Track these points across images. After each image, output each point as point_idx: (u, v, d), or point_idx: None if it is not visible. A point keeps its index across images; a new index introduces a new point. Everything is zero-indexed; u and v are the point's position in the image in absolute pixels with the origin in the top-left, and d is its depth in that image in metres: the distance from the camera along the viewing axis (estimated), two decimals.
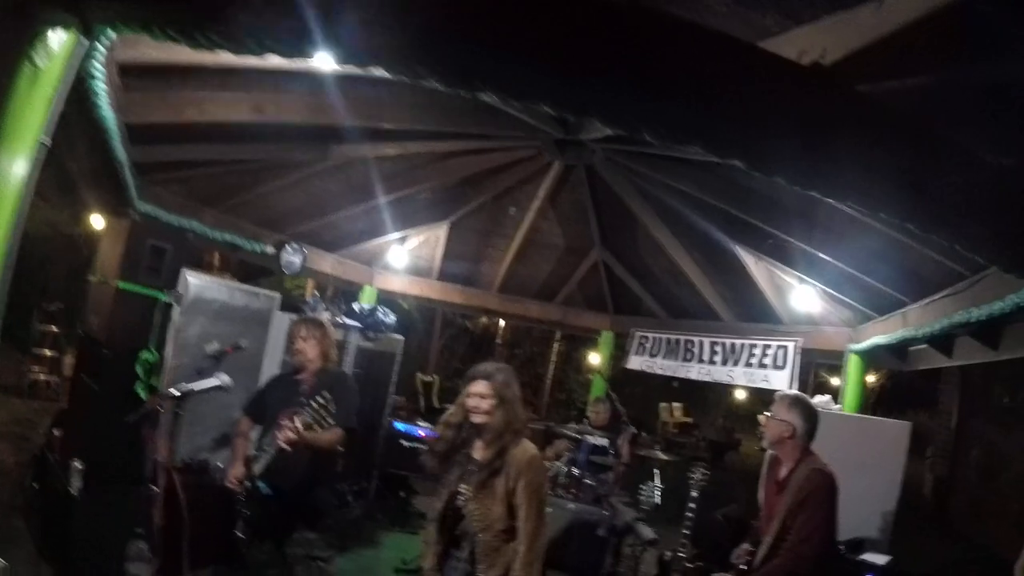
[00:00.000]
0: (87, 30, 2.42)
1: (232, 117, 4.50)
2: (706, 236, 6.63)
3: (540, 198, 7.24)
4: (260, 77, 4.16)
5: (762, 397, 7.37)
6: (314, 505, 4.37)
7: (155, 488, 4.65)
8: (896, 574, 4.95)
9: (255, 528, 4.25)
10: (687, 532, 4.60)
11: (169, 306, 4.84)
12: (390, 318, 7.56)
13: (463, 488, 3.29)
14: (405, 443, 7.81)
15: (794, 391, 4.51)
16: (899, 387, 18.63)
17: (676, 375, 8.97)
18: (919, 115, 2.45)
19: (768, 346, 7.51)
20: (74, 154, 4.16)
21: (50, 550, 4.41)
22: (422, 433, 8.03)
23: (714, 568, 4.28)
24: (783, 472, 3.87)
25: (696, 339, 8.50)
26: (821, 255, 5.43)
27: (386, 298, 9.06)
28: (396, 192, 6.82)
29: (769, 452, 4.11)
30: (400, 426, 7.85)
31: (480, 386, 3.24)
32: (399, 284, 9.17)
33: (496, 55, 2.34)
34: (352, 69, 3.68)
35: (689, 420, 19.86)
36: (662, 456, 6.59)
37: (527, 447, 3.25)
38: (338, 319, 6.68)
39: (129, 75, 3.64)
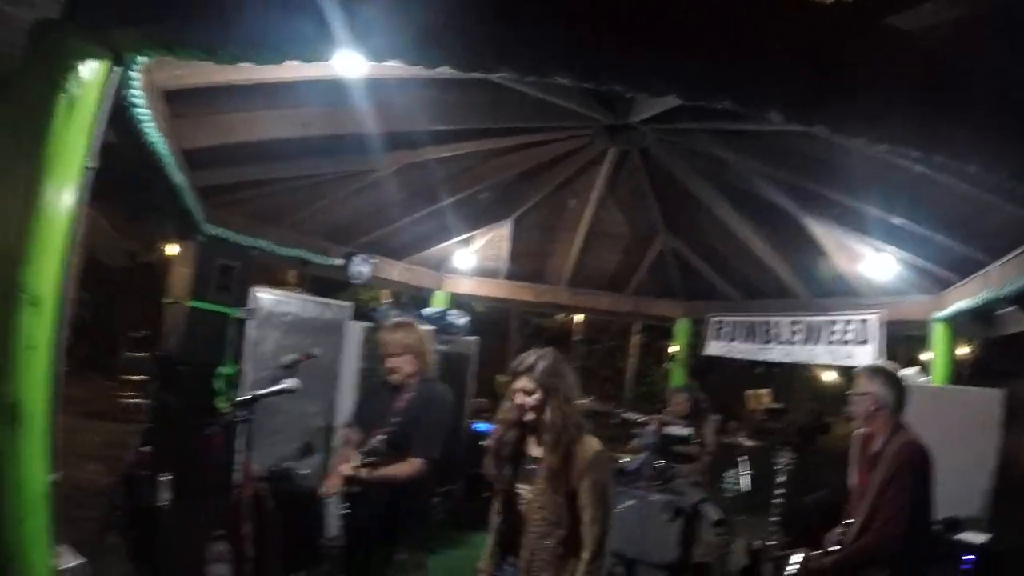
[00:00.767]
0: (117, 58, 2.54)
1: (281, 134, 4.61)
2: (772, 210, 6.45)
3: (598, 187, 7.17)
4: (304, 91, 4.21)
5: (850, 377, 7.12)
6: (396, 526, 4.13)
7: (240, 497, 4.86)
8: (996, 554, 4.63)
9: (346, 536, 4.28)
10: (776, 519, 4.48)
11: (242, 321, 5.00)
12: (462, 320, 7.65)
13: (521, 489, 3.15)
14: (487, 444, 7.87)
15: (876, 362, 4.34)
16: (994, 356, 17.70)
17: (756, 359, 8.80)
18: (946, 48, 2.35)
19: (849, 321, 7.27)
20: (137, 183, 4.34)
21: (142, 561, 4.60)
22: None
23: None
24: (875, 448, 3.68)
25: (774, 320, 8.28)
26: (893, 219, 5.23)
27: (457, 302, 9.14)
28: (456, 194, 6.87)
29: (860, 430, 3.92)
30: (481, 427, 7.91)
31: (522, 381, 3.07)
32: (469, 286, 9.22)
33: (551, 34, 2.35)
34: (395, 72, 3.77)
35: (777, 406, 19.30)
36: (748, 443, 6.42)
37: (590, 443, 3.03)
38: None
39: (175, 101, 3.79)
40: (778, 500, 4.47)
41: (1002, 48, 2.33)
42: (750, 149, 5.45)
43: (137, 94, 2.86)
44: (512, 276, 9.21)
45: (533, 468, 3.09)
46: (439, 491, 7.02)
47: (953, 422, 5.19)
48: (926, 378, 6.37)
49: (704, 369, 12.29)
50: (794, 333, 8.03)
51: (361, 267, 7.37)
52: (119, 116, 2.87)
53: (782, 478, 4.51)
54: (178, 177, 4.12)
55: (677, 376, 9.76)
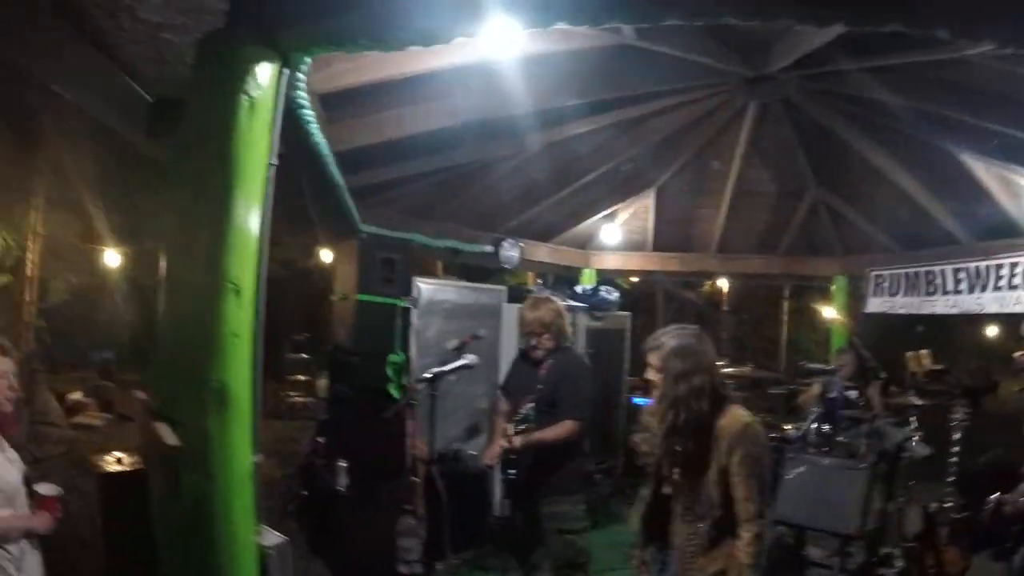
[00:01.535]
0: (286, 60, 2.69)
1: (429, 126, 4.74)
2: (928, 150, 6.08)
3: (742, 144, 6.96)
4: (446, 80, 4.32)
5: (1016, 332, 6.62)
6: (555, 484, 4.37)
7: (415, 479, 5.07)
8: None
9: (510, 500, 4.52)
10: (953, 479, 4.25)
11: (407, 311, 5.20)
12: (613, 296, 7.64)
13: (664, 471, 3.03)
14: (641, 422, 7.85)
15: None
16: None
17: (920, 312, 8.27)
18: None
19: (1016, 264, 6.74)
20: (299, 187, 4.57)
21: (321, 545, 4.86)
22: None
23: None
24: None
25: (937, 269, 7.80)
26: None
27: (604, 279, 9.11)
28: (598, 168, 6.88)
29: None
30: (640, 401, 7.87)
31: (651, 358, 3.00)
32: (616, 262, 9.19)
33: None
34: (530, 49, 3.81)
35: (939, 367, 18.14)
36: (916, 401, 6.07)
37: (738, 415, 2.87)
38: (565, 303, 6.83)
39: (329, 106, 3.98)
40: (954, 458, 4.22)
41: None
42: (900, 85, 5.12)
43: (303, 95, 3.03)
44: (659, 247, 9.09)
45: (678, 450, 2.94)
46: (599, 465, 7.08)
47: None
48: None
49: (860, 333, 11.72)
50: (959, 282, 7.54)
51: (511, 252, 7.48)
52: (284, 117, 3.01)
53: (957, 435, 4.30)
54: (338, 177, 4.30)
55: (838, 336, 9.35)
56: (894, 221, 8.04)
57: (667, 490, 3.03)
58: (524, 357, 4.65)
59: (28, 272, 15.22)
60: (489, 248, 7.41)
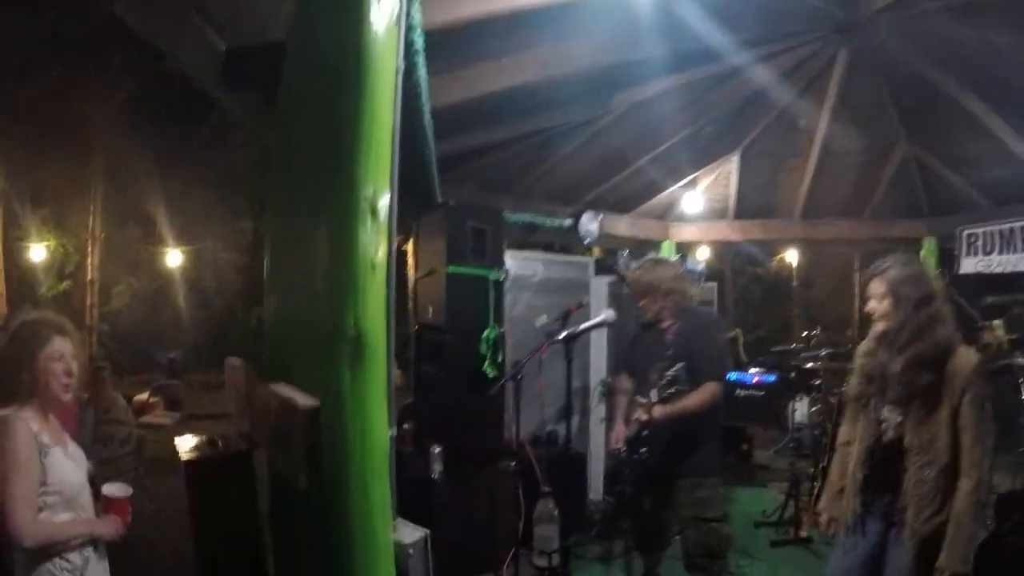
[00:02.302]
0: None
1: (521, 79, 4.46)
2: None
3: (830, 99, 6.58)
4: (542, 25, 4.05)
5: None
6: (694, 466, 3.88)
7: (512, 463, 4.79)
8: None
9: (635, 489, 4.02)
10: None
11: (499, 284, 4.90)
12: (700, 267, 7.33)
13: (887, 414, 2.83)
14: (740, 392, 7.50)
15: None
16: None
17: (1018, 269, 7.83)
18: None
19: None
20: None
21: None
22: (755, 379, 7.67)
23: None
24: None
25: None
26: None
27: (682, 252, 8.76)
28: (681, 131, 6.56)
29: None
30: (731, 375, 7.50)
31: (874, 285, 2.85)
32: (695, 232, 8.85)
33: None
34: None
35: (1014, 336, 17.38)
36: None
37: (967, 355, 2.68)
38: None
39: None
40: None
41: None
42: (998, 21, 4.74)
43: (418, 31, 2.70)
44: (740, 215, 8.72)
45: (899, 389, 2.75)
46: None
47: None
48: None
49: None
50: None
51: (591, 225, 7.18)
52: None
53: None
54: (431, 139, 4.03)
55: None
56: (987, 175, 7.57)
57: (890, 434, 2.82)
58: (646, 327, 4.16)
59: (89, 276, 15.36)
60: (568, 222, 7.11)
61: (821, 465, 5.58)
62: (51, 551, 2.41)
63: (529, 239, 7.69)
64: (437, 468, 4.62)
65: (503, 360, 4.90)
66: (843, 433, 3.22)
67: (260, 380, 2.85)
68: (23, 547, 2.33)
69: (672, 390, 3.62)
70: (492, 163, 6.10)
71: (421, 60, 2.96)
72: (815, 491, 5.54)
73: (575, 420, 5.96)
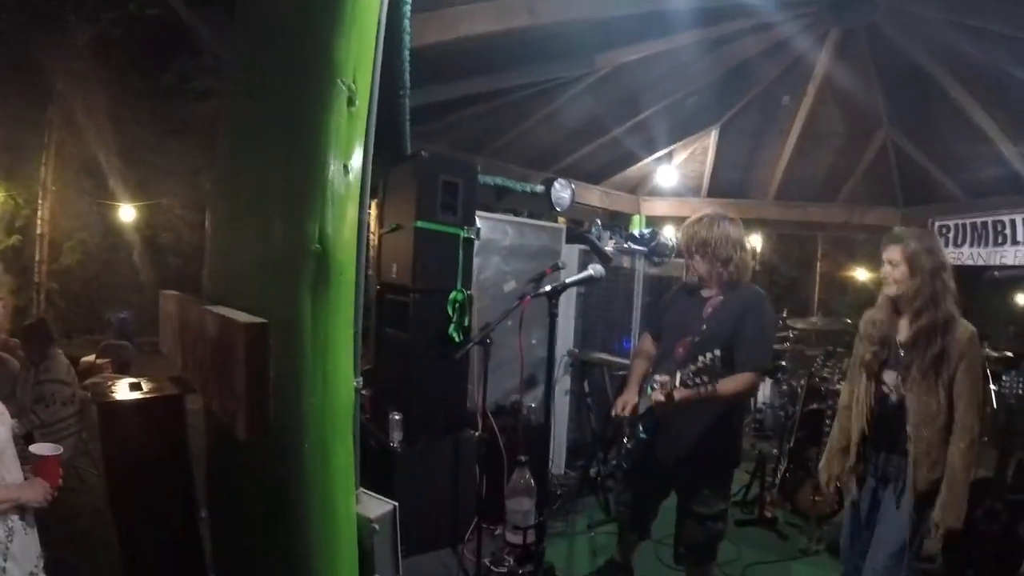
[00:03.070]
0: None
1: (506, 24, 4.23)
2: (1013, 87, 5.59)
3: (817, 77, 6.47)
4: None
5: None
6: (703, 464, 3.41)
7: (475, 432, 4.58)
8: None
9: (632, 474, 3.75)
10: None
11: (470, 244, 4.67)
12: (673, 242, 7.15)
13: (890, 379, 2.98)
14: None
15: None
16: None
17: (988, 263, 7.85)
18: None
19: None
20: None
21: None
22: None
23: None
24: None
25: (1006, 218, 7.41)
26: None
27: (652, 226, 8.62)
28: (662, 100, 6.38)
29: None
30: None
31: (889, 252, 2.96)
32: (667, 208, 8.73)
33: None
34: None
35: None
36: None
37: (966, 325, 2.84)
38: (625, 245, 6.34)
39: None
40: None
41: None
42: (996, 17, 4.66)
43: None
44: (714, 192, 8.63)
45: (903, 353, 2.92)
46: None
47: None
48: None
49: None
50: None
51: (562, 193, 6.95)
52: None
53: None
54: (407, 81, 3.78)
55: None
56: (965, 167, 7.58)
57: (892, 398, 2.98)
58: (688, 291, 3.59)
59: (39, 230, 14.76)
60: (540, 188, 6.88)
61: (788, 446, 5.50)
62: None
63: (497, 204, 7.47)
64: (397, 436, 4.40)
65: (470, 324, 4.68)
66: (843, 396, 3.31)
67: (196, 305, 2.44)
68: None
69: (700, 380, 2.93)
70: (465, 120, 5.87)
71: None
72: (781, 472, 5.46)
73: (540, 390, 5.79)
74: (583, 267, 5.84)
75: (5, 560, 2.19)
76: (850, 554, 3.26)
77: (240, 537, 2.56)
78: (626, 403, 3.40)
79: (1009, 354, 5.52)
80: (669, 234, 7.06)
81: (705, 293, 3.49)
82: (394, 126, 4.49)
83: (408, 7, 3.04)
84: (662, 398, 3.06)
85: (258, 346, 1.69)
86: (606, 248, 5.99)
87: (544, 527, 3.27)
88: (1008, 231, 7.41)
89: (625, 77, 5.75)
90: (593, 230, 6.23)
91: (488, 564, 4.12)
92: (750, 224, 9.66)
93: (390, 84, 3.79)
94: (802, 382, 5.93)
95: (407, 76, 3.73)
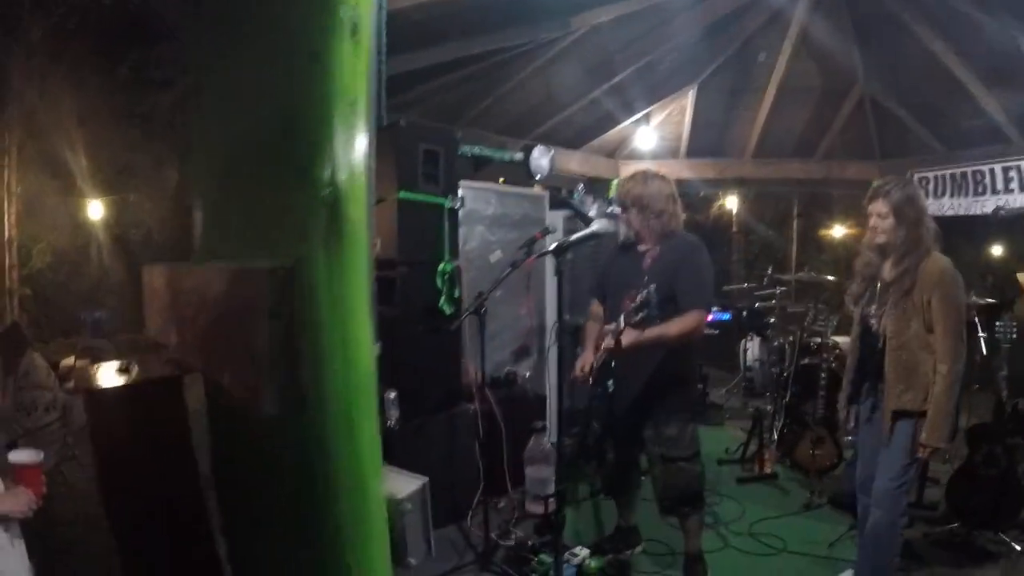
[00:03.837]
0: None
1: None
2: (989, 36, 5.63)
3: (793, 34, 6.41)
4: None
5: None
6: (662, 402, 3.47)
7: (471, 406, 4.47)
8: None
9: (605, 428, 3.70)
10: None
11: (454, 213, 4.56)
12: None
13: (874, 310, 3.24)
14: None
15: None
16: None
17: (969, 213, 7.87)
18: None
19: None
20: None
21: None
22: (711, 317, 7.54)
23: None
24: None
25: (985, 168, 7.46)
26: None
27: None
28: (638, 60, 6.28)
29: None
30: None
31: (877, 205, 3.16)
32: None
33: None
34: None
35: None
36: None
37: (938, 259, 3.09)
38: (608, 209, 6.26)
39: None
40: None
41: None
42: None
43: None
44: (692, 153, 8.62)
45: (885, 288, 3.18)
46: None
47: None
48: None
49: None
50: (1008, 180, 7.21)
51: (542, 160, 6.81)
52: None
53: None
54: (384, 46, 3.65)
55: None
56: (940, 118, 7.61)
57: (873, 325, 3.23)
58: (624, 248, 3.66)
59: (7, 235, 14.47)
60: (519, 155, 6.77)
61: (783, 402, 5.50)
62: None
63: (474, 174, 7.36)
64: (394, 415, 4.26)
65: (460, 296, 4.58)
66: (853, 332, 3.50)
67: (189, 270, 2.20)
68: None
69: (643, 314, 3.03)
70: (440, 88, 5.74)
71: None
72: (779, 428, 5.45)
73: (532, 360, 5.73)
74: (567, 234, 5.79)
75: None
76: (865, 488, 3.37)
77: (258, 531, 2.37)
78: (584, 363, 3.52)
79: (992, 300, 5.53)
80: None
81: (642, 248, 3.57)
82: (373, 91, 4.36)
83: None
84: (611, 343, 3.19)
85: (286, 295, 1.47)
86: (589, 213, 5.90)
87: (564, 494, 3.18)
88: (988, 181, 7.46)
89: (601, 38, 5.67)
90: (575, 195, 6.13)
91: (495, 538, 4.04)
92: (728, 184, 9.66)
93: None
94: (790, 339, 5.93)
95: (383, 41, 3.60)
